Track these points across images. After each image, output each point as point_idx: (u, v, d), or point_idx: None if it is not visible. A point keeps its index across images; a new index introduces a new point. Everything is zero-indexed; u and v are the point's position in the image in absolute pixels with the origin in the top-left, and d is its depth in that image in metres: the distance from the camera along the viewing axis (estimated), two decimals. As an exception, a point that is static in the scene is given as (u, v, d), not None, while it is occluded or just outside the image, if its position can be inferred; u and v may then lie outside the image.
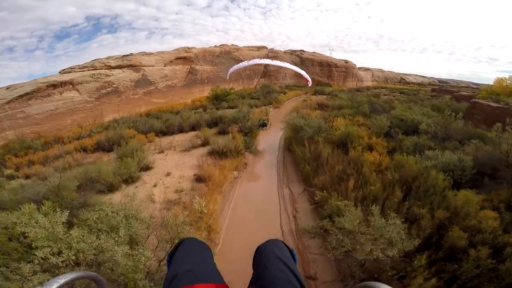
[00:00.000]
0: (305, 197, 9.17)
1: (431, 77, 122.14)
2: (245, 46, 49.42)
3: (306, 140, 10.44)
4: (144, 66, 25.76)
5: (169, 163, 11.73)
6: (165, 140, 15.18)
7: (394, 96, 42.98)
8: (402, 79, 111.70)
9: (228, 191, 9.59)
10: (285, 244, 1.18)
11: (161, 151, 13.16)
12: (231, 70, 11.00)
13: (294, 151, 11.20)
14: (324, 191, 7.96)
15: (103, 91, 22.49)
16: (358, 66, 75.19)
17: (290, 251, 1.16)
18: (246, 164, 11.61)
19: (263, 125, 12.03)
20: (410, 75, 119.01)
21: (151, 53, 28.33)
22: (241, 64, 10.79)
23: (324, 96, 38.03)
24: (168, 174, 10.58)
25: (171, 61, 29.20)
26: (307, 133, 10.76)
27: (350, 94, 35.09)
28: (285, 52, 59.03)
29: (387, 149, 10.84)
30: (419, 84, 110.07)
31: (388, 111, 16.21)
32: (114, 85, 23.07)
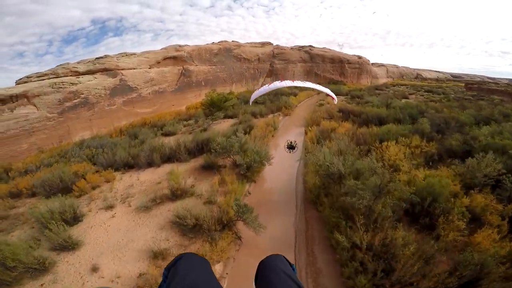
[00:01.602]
0: None
1: (443, 72, 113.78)
2: (247, 43, 44.21)
3: (357, 215, 5.19)
4: (123, 69, 21.03)
5: (110, 237, 6.90)
6: (127, 180, 10.37)
7: (422, 96, 37.03)
8: (418, 75, 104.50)
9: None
10: (287, 259, 1.17)
11: (110, 206, 8.33)
12: (254, 95, 8.87)
13: (328, 227, 6.10)
14: None
15: (68, 103, 17.88)
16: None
17: (291, 265, 1.15)
18: (241, 239, 6.58)
19: (291, 147, 9.64)
20: (425, 70, 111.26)
21: (133, 54, 23.62)
22: (263, 89, 8.28)
23: (342, 97, 32.51)
24: (95, 269, 5.80)
25: (158, 62, 24.42)
26: (359, 198, 5.42)
27: (380, 95, 29.40)
28: (292, 48, 53.40)
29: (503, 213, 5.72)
30: (436, 79, 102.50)
31: (457, 128, 10.85)
32: (83, 95, 18.44)
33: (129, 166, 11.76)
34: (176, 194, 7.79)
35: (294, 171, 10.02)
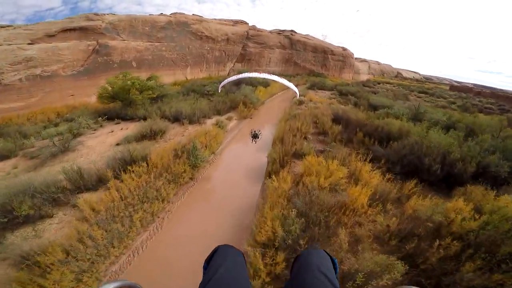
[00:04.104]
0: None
1: (417, 72, 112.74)
2: (215, 19, 35.13)
3: None
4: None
5: None
6: None
7: (420, 98, 30.91)
8: (399, 74, 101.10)
9: None
10: (327, 253, 1.11)
11: None
12: (222, 83, 7.32)
13: None
14: None
15: None
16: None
17: (332, 260, 1.08)
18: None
19: (255, 136, 8.27)
20: (403, 70, 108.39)
21: (9, 26, 14.62)
22: (232, 78, 6.71)
23: (328, 93, 25.23)
24: None
25: (50, 36, 15.18)
26: None
27: (379, 94, 22.40)
28: (271, 31, 44.98)
29: None
30: (416, 80, 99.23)
31: None
32: None
33: None
34: None
35: None
